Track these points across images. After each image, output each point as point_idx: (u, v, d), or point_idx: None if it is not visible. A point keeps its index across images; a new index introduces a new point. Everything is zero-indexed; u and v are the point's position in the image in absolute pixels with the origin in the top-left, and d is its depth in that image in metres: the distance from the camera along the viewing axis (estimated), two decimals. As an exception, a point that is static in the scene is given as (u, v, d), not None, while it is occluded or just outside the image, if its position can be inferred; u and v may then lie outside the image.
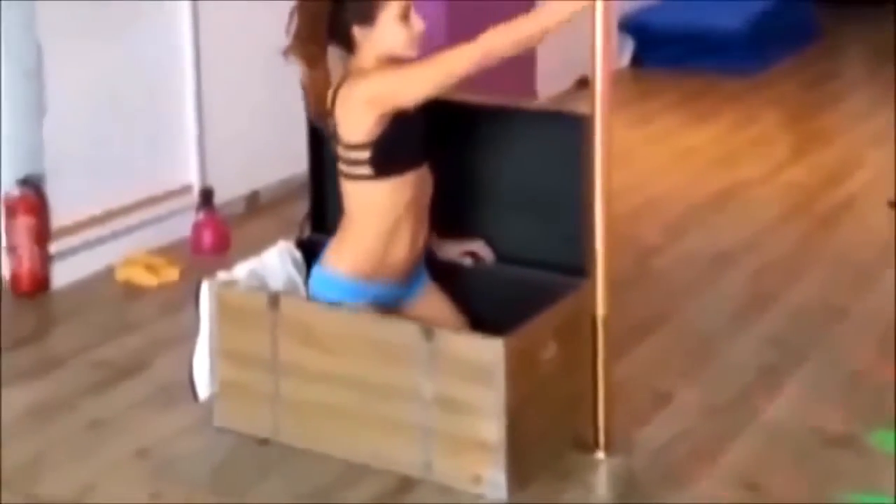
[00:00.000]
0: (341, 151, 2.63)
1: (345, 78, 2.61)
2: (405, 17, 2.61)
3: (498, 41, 2.54)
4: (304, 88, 2.67)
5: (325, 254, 2.71)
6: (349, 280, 2.64)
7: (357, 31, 2.60)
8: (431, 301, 2.76)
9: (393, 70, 2.59)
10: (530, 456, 2.50)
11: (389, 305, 2.68)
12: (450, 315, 2.76)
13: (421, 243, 2.71)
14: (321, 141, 2.98)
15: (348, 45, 2.63)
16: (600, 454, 2.61)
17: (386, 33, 2.59)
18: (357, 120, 2.57)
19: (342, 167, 2.64)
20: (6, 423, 2.82)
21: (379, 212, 2.62)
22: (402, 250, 2.66)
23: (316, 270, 2.71)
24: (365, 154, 2.58)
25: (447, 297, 2.78)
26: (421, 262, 2.76)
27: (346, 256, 2.66)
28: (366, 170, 2.59)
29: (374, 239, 2.63)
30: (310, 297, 2.71)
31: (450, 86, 2.56)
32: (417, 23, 2.62)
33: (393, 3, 2.59)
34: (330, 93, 2.61)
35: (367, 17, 2.59)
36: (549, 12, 2.53)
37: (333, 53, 2.66)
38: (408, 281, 2.72)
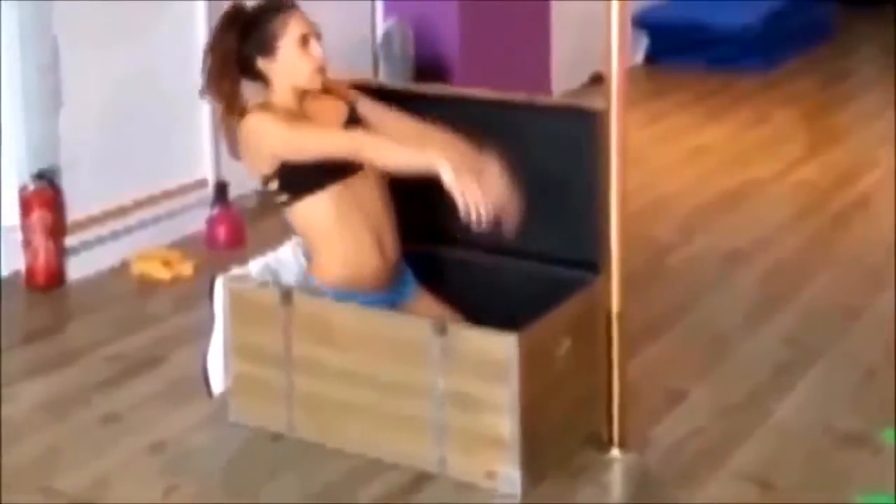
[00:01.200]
0: (259, 183, 2.69)
1: (245, 111, 2.65)
2: (304, 43, 2.63)
3: (371, 151, 2.58)
4: (221, 125, 2.72)
5: (308, 265, 2.73)
6: (334, 289, 2.66)
7: (262, 64, 2.65)
8: (422, 306, 2.75)
9: (277, 125, 2.60)
10: (544, 452, 2.51)
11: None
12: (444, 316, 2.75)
13: (391, 249, 2.71)
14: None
15: (260, 79, 2.68)
16: (614, 452, 2.61)
17: (288, 64, 2.64)
18: (252, 158, 2.64)
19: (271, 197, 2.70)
20: (21, 416, 2.84)
21: (319, 228, 2.66)
22: (371, 257, 2.67)
23: (307, 279, 2.73)
24: (274, 183, 2.64)
25: (439, 300, 2.78)
26: (402, 268, 2.76)
27: (324, 267, 2.68)
28: (283, 196, 2.66)
29: (334, 249, 2.66)
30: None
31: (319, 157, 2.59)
32: (316, 50, 2.65)
33: (290, 31, 2.62)
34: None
35: (269, 49, 2.63)
36: (428, 159, 2.47)
37: (255, 88, 2.69)
38: (392, 287, 2.72)
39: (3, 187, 3.60)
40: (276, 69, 2.64)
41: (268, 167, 2.64)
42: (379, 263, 2.69)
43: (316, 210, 2.66)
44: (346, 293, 2.65)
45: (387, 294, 2.71)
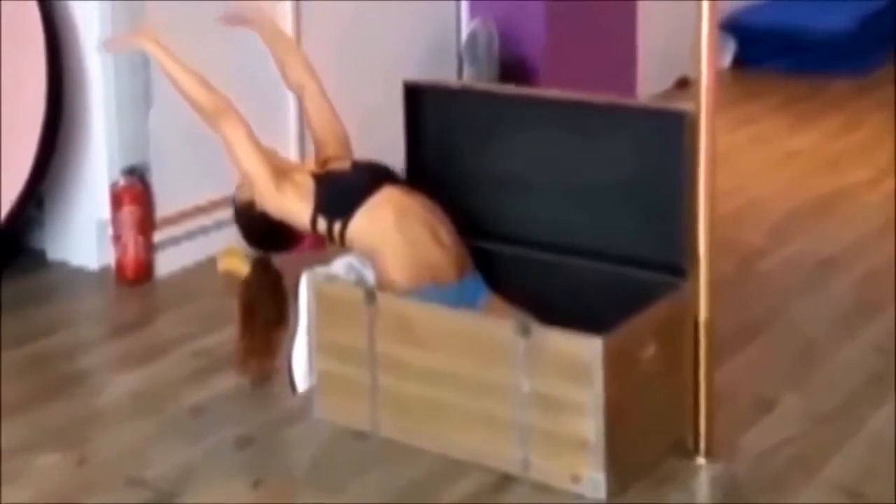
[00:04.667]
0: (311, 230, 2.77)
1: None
2: None
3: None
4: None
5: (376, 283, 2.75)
6: (410, 290, 2.66)
7: None
8: (495, 312, 2.73)
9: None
10: (629, 457, 2.48)
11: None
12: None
13: (447, 237, 2.73)
14: (420, 134, 3.00)
15: None
16: (701, 459, 2.57)
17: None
18: (287, 212, 2.76)
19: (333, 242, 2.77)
20: (111, 408, 2.88)
21: (383, 235, 2.69)
22: (432, 249, 2.69)
23: None
24: (321, 221, 2.72)
25: (514, 307, 2.75)
26: (468, 262, 2.76)
27: (395, 275, 2.68)
28: (337, 224, 2.71)
29: (402, 252, 2.68)
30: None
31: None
32: None
33: None
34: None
35: None
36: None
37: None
38: (462, 280, 2.71)
39: (95, 183, 3.66)
40: None
41: (303, 214, 2.72)
42: (440, 253, 2.70)
43: (373, 218, 2.70)
44: (422, 291, 2.65)
45: (458, 287, 2.70)
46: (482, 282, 2.79)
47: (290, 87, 3.10)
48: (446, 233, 2.75)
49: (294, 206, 2.74)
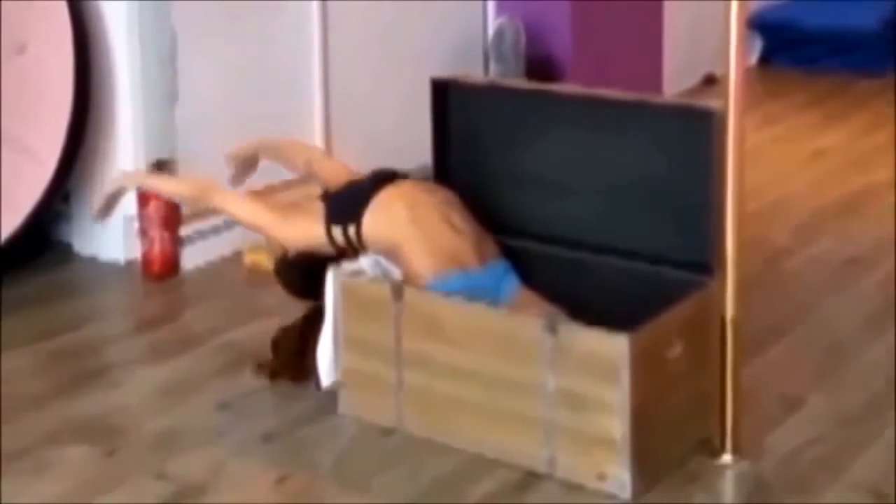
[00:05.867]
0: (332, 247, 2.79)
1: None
2: None
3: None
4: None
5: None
6: (434, 281, 2.66)
7: None
8: (526, 303, 2.73)
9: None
10: (656, 456, 2.47)
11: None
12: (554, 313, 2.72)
13: (460, 222, 2.74)
14: (446, 132, 3.00)
15: None
16: (727, 458, 2.56)
17: None
18: (304, 237, 2.82)
19: (346, 252, 2.78)
20: (137, 402, 2.90)
21: (397, 229, 2.71)
22: (445, 234, 2.71)
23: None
24: (337, 230, 2.75)
25: (544, 298, 2.75)
26: (490, 247, 2.76)
27: (416, 266, 2.68)
28: (351, 228, 2.74)
29: (419, 244, 2.69)
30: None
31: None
32: None
33: None
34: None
35: None
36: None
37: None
38: (484, 267, 2.71)
39: (122, 178, 3.68)
40: None
41: (315, 236, 2.78)
42: (457, 239, 2.72)
43: (386, 214, 2.72)
44: (444, 280, 2.65)
45: (484, 271, 2.71)
46: (510, 269, 2.78)
47: (300, 170, 3.20)
48: (460, 219, 2.76)
49: (307, 228, 2.79)
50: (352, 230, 2.75)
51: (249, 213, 2.89)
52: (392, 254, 2.74)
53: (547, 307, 2.72)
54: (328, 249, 2.79)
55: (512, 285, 2.75)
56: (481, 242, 2.77)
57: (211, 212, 3.12)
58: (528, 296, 2.76)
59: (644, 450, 2.42)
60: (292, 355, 2.86)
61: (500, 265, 2.77)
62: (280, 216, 2.85)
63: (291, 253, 2.89)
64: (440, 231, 2.72)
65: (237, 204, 2.92)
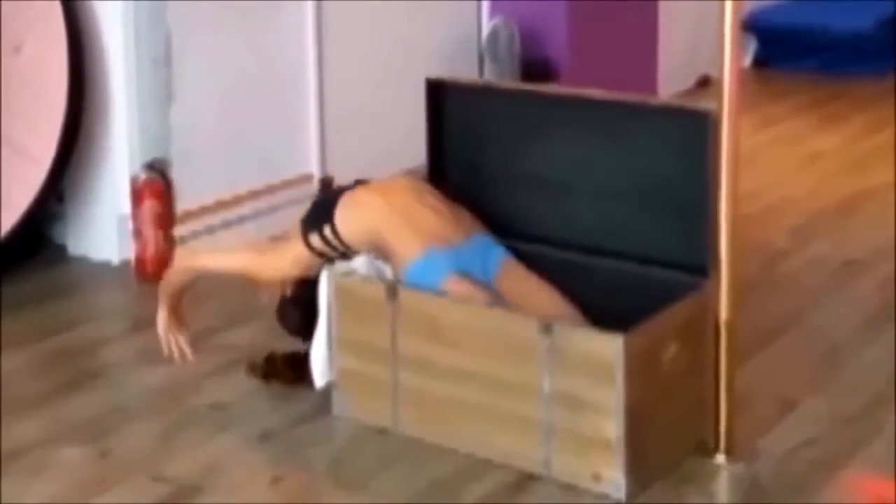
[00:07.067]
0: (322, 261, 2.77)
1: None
2: None
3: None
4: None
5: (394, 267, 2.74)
6: (424, 259, 2.65)
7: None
8: (513, 277, 2.74)
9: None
10: (651, 457, 2.47)
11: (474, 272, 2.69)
12: (536, 289, 2.74)
13: (436, 203, 2.76)
14: (442, 133, 2.99)
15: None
16: (722, 460, 2.56)
17: None
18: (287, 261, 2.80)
19: (334, 260, 2.76)
20: (132, 403, 2.89)
21: (376, 217, 2.71)
22: (423, 213, 2.72)
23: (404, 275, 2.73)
24: (315, 238, 2.72)
25: (530, 273, 2.76)
26: (471, 223, 2.77)
27: (407, 248, 2.68)
28: (327, 230, 2.72)
29: (402, 227, 2.69)
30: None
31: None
32: None
33: None
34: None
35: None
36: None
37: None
38: (466, 237, 2.73)
39: (116, 178, 3.67)
40: None
41: (309, 261, 2.76)
42: (435, 217, 2.73)
43: (359, 205, 2.73)
44: (434, 257, 2.65)
45: (469, 243, 2.72)
46: (495, 241, 2.78)
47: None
48: (434, 199, 2.78)
49: (288, 250, 2.78)
50: (327, 230, 2.72)
51: (227, 263, 2.86)
52: (377, 245, 2.73)
53: (534, 279, 2.73)
54: (317, 263, 2.76)
55: (498, 255, 2.76)
56: (459, 217, 2.78)
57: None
58: (514, 266, 2.76)
59: (639, 451, 2.42)
60: (284, 367, 2.87)
61: (483, 236, 2.78)
62: (255, 251, 2.88)
63: (289, 290, 2.87)
64: (418, 211, 2.73)
65: (217, 261, 2.88)
